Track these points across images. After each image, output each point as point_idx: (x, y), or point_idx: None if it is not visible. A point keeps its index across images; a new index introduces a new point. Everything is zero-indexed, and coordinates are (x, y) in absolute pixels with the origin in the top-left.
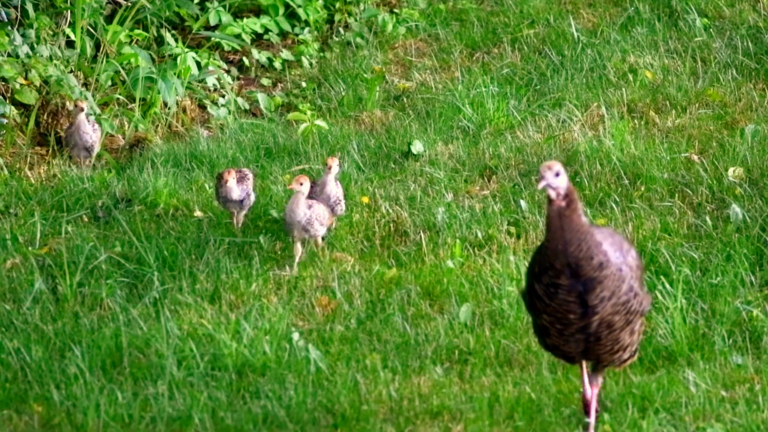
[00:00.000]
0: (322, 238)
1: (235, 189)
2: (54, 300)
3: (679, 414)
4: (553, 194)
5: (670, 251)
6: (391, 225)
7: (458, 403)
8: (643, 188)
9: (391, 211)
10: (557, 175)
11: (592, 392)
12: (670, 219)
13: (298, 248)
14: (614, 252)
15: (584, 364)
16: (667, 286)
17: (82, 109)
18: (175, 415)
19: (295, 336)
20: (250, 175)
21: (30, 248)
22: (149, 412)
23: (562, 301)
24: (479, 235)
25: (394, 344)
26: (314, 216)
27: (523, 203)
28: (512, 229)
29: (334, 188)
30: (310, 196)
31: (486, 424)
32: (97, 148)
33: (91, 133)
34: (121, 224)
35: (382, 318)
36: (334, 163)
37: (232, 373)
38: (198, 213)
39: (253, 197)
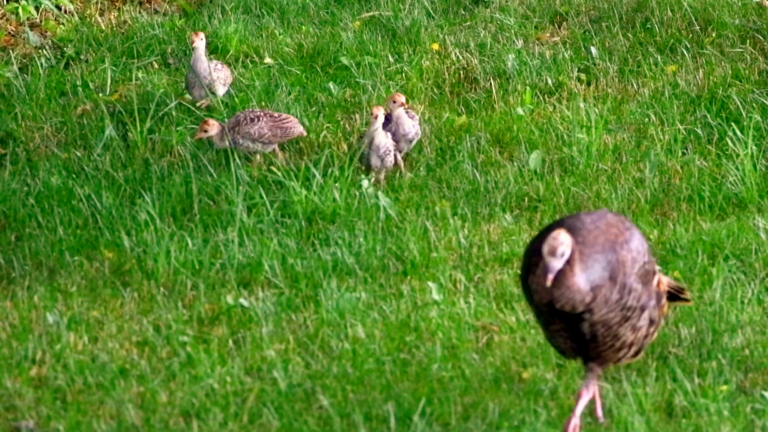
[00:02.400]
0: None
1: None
2: (124, 147)
3: (749, 261)
4: (560, 266)
5: (741, 98)
6: (461, 72)
7: None
8: (714, 34)
9: (461, 57)
10: (562, 255)
11: (581, 396)
12: (741, 65)
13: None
14: (602, 265)
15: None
16: (738, 132)
17: None
18: (244, 261)
19: (365, 183)
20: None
21: (100, 95)
22: (219, 258)
23: (547, 317)
24: (549, 81)
25: (463, 191)
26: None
27: (593, 50)
28: (582, 76)
29: (383, 139)
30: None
31: None
32: None
33: None
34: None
35: (452, 165)
36: (379, 112)
37: (302, 220)
38: (268, 60)
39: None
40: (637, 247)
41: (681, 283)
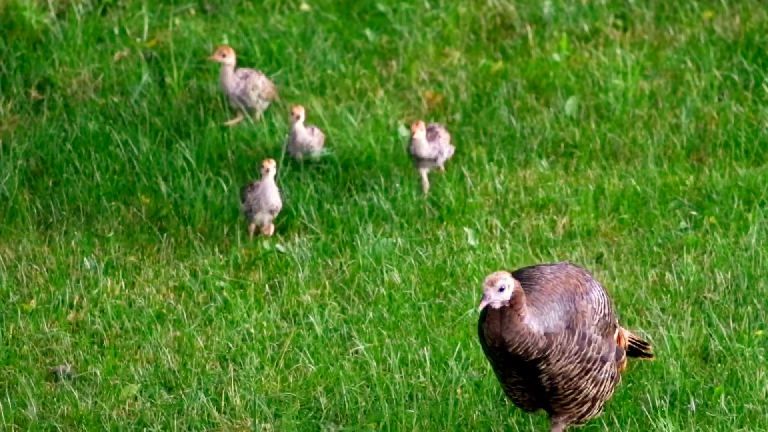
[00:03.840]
0: None
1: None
2: (161, 93)
3: None
4: (496, 305)
5: None
6: (498, 18)
7: (563, 196)
8: None
9: (497, 4)
10: (501, 290)
11: None
12: None
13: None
14: (559, 313)
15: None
16: None
17: None
18: (281, 207)
19: (402, 129)
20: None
21: (138, 41)
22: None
23: (504, 365)
24: (585, 28)
25: (499, 137)
26: None
27: None
28: (619, 22)
29: (305, 136)
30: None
31: (591, 217)
32: None
33: None
34: (229, 17)
35: (488, 111)
36: (300, 111)
37: (338, 166)
38: (305, 6)
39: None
40: (597, 298)
41: (642, 337)
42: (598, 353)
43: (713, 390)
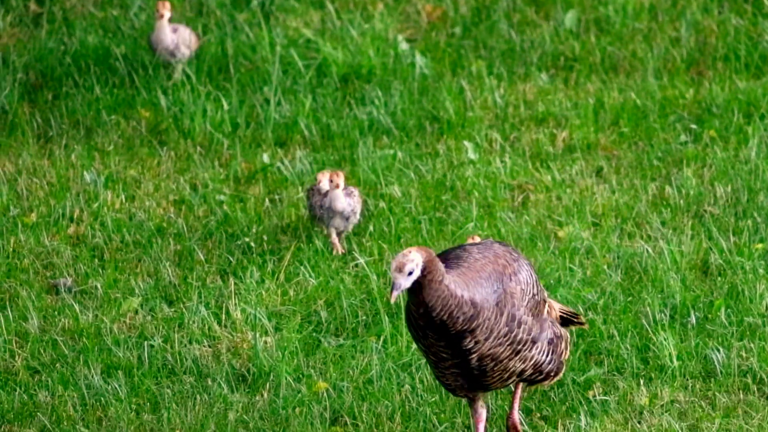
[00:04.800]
0: None
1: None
2: None
3: None
4: (409, 283)
5: None
6: None
7: (563, 110)
8: None
9: None
10: (410, 273)
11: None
12: None
13: None
14: (487, 291)
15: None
16: None
17: None
18: (281, 121)
19: (402, 43)
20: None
21: None
22: (255, 119)
23: (432, 344)
24: None
25: (499, 51)
26: None
27: None
28: None
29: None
30: None
31: (591, 131)
32: None
33: None
34: None
35: (488, 25)
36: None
37: (337, 81)
38: None
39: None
40: (525, 278)
41: (572, 308)
42: (529, 334)
43: (713, 303)
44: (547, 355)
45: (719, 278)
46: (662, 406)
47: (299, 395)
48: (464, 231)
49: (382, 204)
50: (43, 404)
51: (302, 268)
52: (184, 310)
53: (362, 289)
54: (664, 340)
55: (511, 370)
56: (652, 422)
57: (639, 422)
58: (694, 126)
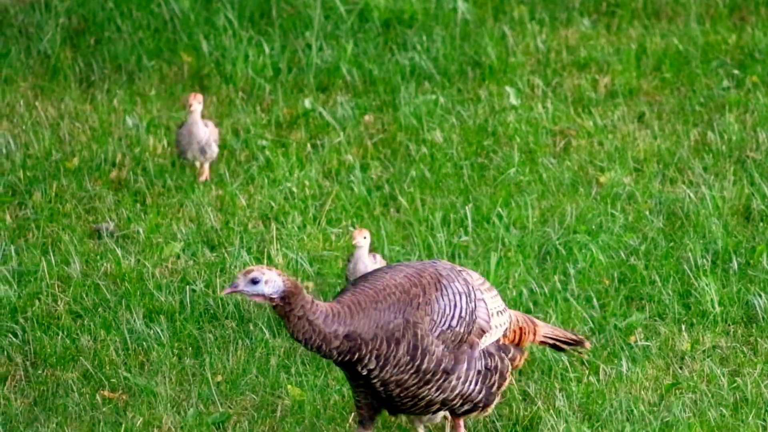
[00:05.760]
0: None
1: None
2: None
3: None
4: (258, 300)
5: None
6: None
7: (605, 55)
8: None
9: None
10: (255, 282)
11: None
12: None
13: None
14: (378, 321)
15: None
16: None
17: None
18: (322, 66)
19: None
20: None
21: None
22: (297, 64)
23: (344, 370)
24: None
25: None
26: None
27: None
28: None
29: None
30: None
31: (633, 76)
32: None
33: None
34: None
35: None
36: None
37: (379, 26)
38: None
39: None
40: (442, 309)
41: (571, 332)
42: (438, 365)
43: (755, 249)
44: (474, 385)
45: (761, 224)
46: (704, 351)
47: None
48: (506, 176)
49: (423, 149)
50: (86, 348)
51: (343, 213)
52: (225, 254)
53: (403, 235)
54: (706, 285)
55: (428, 398)
56: (693, 368)
57: (681, 368)
58: (736, 71)
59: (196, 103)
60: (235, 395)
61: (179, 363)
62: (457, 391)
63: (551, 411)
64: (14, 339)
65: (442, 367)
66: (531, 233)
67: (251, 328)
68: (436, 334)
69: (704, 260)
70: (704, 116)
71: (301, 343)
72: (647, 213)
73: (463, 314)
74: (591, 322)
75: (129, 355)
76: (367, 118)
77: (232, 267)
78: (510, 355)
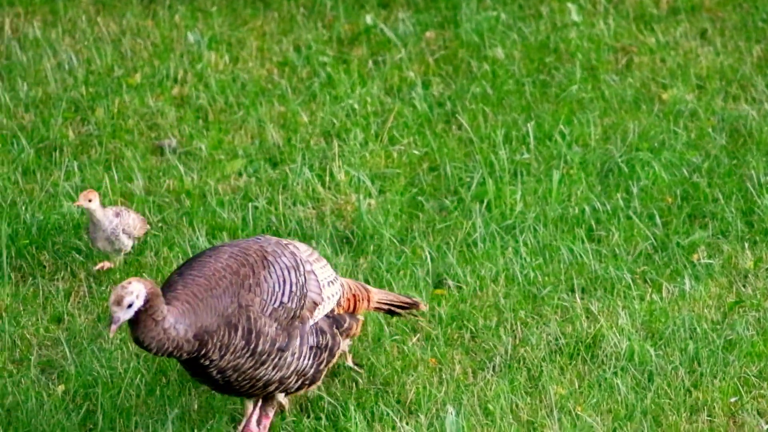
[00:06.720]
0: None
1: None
2: None
3: None
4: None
5: None
6: None
7: None
8: None
9: None
10: (130, 306)
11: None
12: None
13: None
14: (218, 309)
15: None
16: None
17: None
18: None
19: None
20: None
21: None
22: None
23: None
24: None
25: None
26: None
27: None
28: None
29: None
30: None
31: None
32: None
33: None
34: None
35: None
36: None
37: None
38: None
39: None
40: (271, 287)
41: (405, 296)
42: (273, 345)
43: None
44: (308, 360)
45: None
46: (767, 269)
47: (403, 258)
48: (567, 93)
49: (485, 66)
50: (149, 264)
51: (405, 130)
52: (288, 171)
53: (465, 152)
54: None
55: (265, 378)
56: (756, 285)
57: (744, 286)
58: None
59: (85, 201)
60: None
61: None
62: (293, 368)
63: (614, 329)
64: (78, 256)
65: (276, 346)
66: (593, 150)
67: (314, 244)
68: (268, 313)
69: (767, 177)
70: (767, 32)
71: (149, 350)
72: (710, 130)
73: (293, 289)
74: (654, 240)
75: None
76: (428, 34)
77: (294, 184)
78: (346, 325)
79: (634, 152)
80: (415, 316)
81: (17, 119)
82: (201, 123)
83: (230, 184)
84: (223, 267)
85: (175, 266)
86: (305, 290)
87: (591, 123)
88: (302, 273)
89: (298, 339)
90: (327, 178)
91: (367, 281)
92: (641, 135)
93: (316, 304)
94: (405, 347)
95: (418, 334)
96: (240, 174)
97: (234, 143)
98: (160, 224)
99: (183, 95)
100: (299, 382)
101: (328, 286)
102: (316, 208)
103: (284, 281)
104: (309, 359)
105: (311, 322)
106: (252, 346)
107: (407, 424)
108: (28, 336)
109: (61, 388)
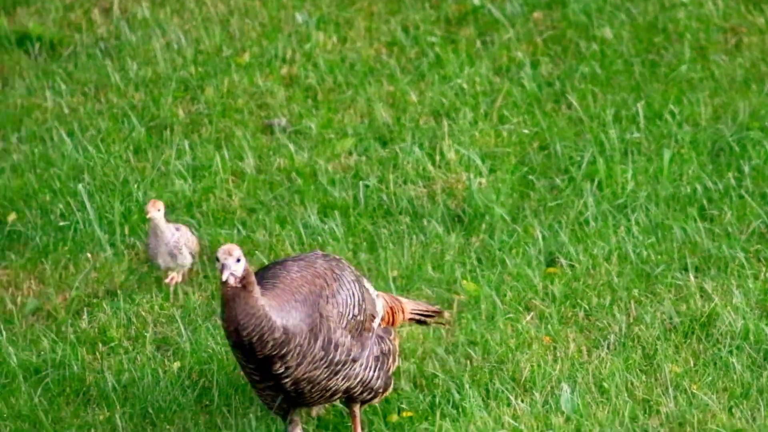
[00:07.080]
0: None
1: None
2: None
3: None
4: (231, 280)
5: None
6: None
7: None
8: None
9: None
10: (238, 260)
11: None
12: None
13: None
14: (301, 315)
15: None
16: None
17: None
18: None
19: None
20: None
21: None
22: None
23: (243, 365)
24: None
25: None
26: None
27: None
28: None
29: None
30: None
31: None
32: None
33: None
34: None
35: None
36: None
37: None
38: None
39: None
40: (345, 299)
41: (431, 305)
42: (348, 355)
43: None
44: (374, 371)
45: None
46: None
47: (515, 237)
48: (677, 73)
49: (594, 46)
50: (261, 242)
51: (515, 110)
52: (398, 150)
53: (575, 132)
54: None
55: (334, 388)
56: None
57: None
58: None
59: (155, 210)
60: (411, 290)
61: (354, 257)
62: (359, 378)
63: (728, 308)
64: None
65: (351, 356)
66: (704, 130)
67: (425, 223)
68: (344, 325)
69: None
70: None
71: (241, 331)
72: None
73: (360, 302)
74: (766, 219)
75: (304, 250)
76: (536, 14)
77: (405, 163)
78: (392, 336)
79: (744, 132)
80: (441, 324)
81: (127, 98)
82: (310, 102)
83: (341, 163)
84: (300, 277)
85: (287, 245)
86: (366, 303)
87: (701, 102)
88: (362, 286)
89: (368, 350)
90: (437, 157)
91: (479, 260)
92: (752, 114)
93: (374, 316)
94: (519, 325)
95: (532, 313)
96: (350, 153)
97: (343, 122)
98: (272, 202)
99: (292, 75)
100: (365, 393)
101: (377, 299)
102: (426, 187)
103: (353, 294)
104: (374, 370)
105: (373, 333)
106: (330, 357)
107: (522, 401)
108: (143, 313)
109: (176, 365)
